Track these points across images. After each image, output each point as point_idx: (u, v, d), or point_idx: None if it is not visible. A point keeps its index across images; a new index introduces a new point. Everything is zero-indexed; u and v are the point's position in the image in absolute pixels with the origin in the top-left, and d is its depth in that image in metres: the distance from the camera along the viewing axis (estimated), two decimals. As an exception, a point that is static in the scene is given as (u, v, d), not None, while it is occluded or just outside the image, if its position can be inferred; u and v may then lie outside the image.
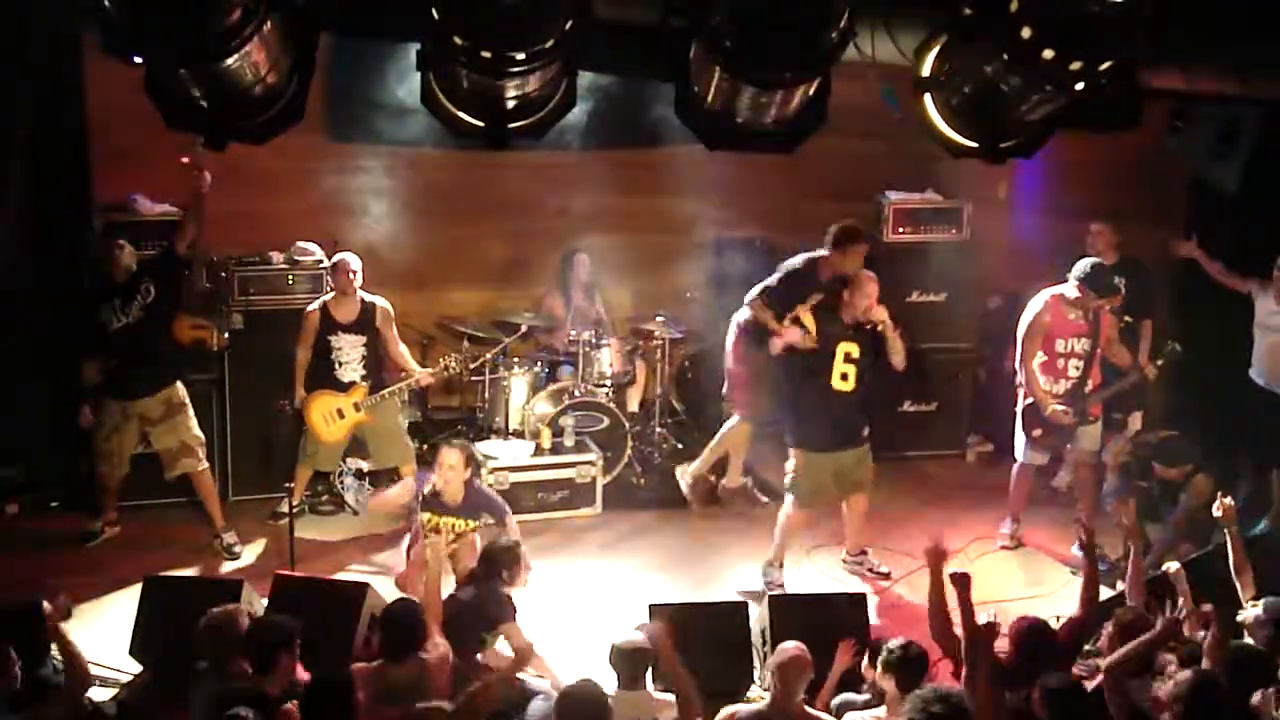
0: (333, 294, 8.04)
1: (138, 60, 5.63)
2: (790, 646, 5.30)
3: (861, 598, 6.65)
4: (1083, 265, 7.66)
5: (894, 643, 5.32)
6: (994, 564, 8.02)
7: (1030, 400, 7.79)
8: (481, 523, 7.09)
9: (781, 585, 7.47)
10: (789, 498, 7.50)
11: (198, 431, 7.80)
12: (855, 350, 7.24)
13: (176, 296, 7.70)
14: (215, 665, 5.32)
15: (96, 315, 7.53)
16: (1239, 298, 8.14)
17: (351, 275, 7.94)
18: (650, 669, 5.43)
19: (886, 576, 7.70)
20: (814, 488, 7.41)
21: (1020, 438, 7.99)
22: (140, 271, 7.58)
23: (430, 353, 8.99)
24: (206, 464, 7.86)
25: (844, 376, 7.24)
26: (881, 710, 5.30)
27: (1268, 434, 7.89)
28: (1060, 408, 7.67)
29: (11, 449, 8.21)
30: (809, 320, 7.25)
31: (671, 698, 5.34)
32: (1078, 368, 7.74)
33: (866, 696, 5.60)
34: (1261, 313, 7.97)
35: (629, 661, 5.38)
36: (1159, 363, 7.83)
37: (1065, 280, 7.72)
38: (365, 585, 6.43)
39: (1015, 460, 8.11)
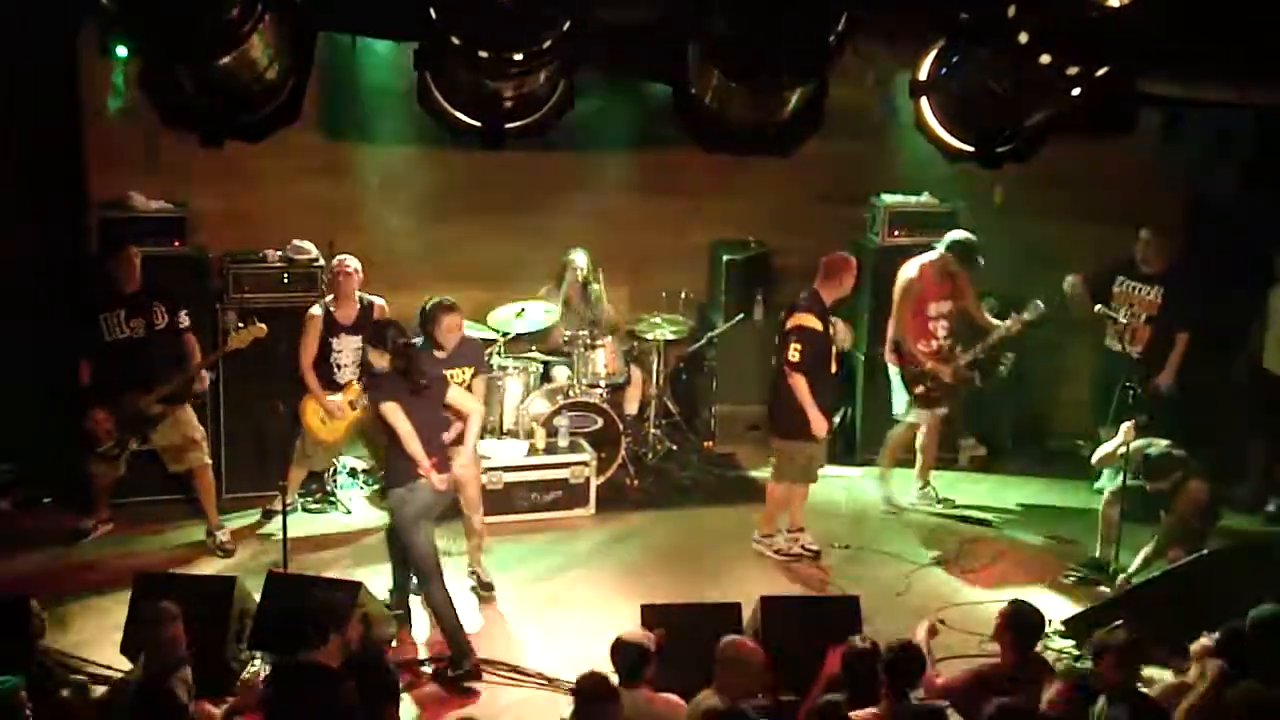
0: (333, 296, 8.02)
1: (133, 56, 5.64)
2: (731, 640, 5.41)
3: (855, 600, 6.64)
4: (953, 234, 8.33)
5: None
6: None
7: (907, 362, 8.32)
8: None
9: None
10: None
11: (198, 424, 7.80)
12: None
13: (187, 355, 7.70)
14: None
15: (93, 319, 7.50)
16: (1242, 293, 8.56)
17: (351, 276, 7.91)
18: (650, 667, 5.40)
19: (817, 555, 7.96)
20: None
21: (901, 399, 8.46)
22: (155, 293, 7.58)
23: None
24: (210, 459, 7.86)
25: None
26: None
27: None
28: (935, 364, 8.25)
29: (4, 445, 8.19)
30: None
31: (672, 697, 5.33)
32: (945, 329, 8.32)
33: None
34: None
35: (628, 656, 5.35)
36: (1025, 318, 8.23)
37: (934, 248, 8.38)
38: (359, 584, 6.41)
39: (901, 421, 8.54)
